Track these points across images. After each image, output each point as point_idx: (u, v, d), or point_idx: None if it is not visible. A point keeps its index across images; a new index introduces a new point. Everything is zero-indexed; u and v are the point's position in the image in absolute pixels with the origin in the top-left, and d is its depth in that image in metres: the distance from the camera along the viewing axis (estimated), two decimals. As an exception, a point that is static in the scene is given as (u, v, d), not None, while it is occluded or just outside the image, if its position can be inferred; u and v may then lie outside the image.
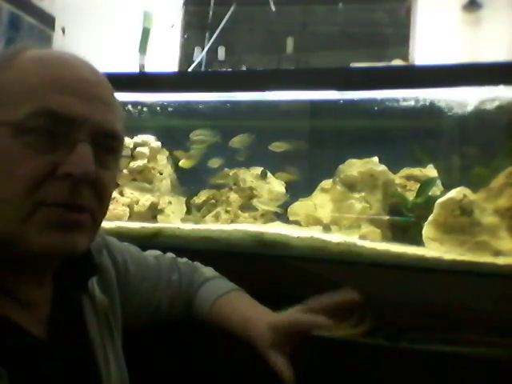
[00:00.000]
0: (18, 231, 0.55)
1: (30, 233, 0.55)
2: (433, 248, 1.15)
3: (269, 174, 1.57)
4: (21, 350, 0.56)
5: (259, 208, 1.46)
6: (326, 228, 1.36)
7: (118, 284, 0.78)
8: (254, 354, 0.74)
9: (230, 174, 1.55)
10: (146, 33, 2.02)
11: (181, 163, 1.59)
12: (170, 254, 0.94)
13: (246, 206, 1.48)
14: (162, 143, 1.61)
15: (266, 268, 1.14)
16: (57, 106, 0.56)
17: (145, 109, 1.54)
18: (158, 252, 0.94)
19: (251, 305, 0.84)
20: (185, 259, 0.95)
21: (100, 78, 0.63)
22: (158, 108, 1.54)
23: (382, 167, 1.36)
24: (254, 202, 1.47)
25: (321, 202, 1.45)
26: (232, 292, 0.87)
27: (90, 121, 0.58)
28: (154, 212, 1.51)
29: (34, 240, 0.55)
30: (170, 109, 1.55)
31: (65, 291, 0.65)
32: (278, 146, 1.49)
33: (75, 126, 0.57)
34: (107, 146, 0.61)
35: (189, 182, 1.62)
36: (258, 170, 1.57)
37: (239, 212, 1.49)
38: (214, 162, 1.57)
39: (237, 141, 1.51)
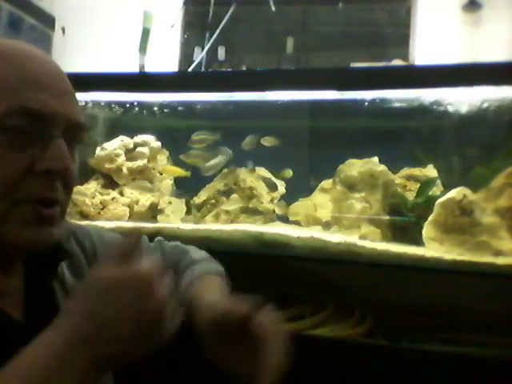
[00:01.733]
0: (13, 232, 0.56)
1: (8, 229, 0.57)
2: (433, 248, 1.15)
3: (269, 175, 1.57)
4: (2, 332, 0.57)
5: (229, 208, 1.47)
6: (326, 226, 1.36)
7: (88, 267, 0.77)
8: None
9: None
10: (145, 33, 2.01)
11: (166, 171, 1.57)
12: (157, 238, 0.92)
13: (250, 210, 1.48)
14: (161, 143, 1.61)
15: (266, 268, 1.14)
16: (33, 104, 0.56)
17: (145, 109, 1.54)
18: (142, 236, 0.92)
19: (212, 291, 0.77)
20: (176, 242, 0.92)
21: (61, 70, 0.63)
22: (158, 108, 1.54)
23: (382, 167, 1.36)
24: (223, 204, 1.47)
25: (321, 202, 1.45)
26: (204, 277, 0.81)
27: (63, 116, 0.58)
28: (154, 212, 1.51)
29: (13, 236, 0.57)
30: (170, 109, 1.55)
31: (36, 277, 0.67)
32: (268, 141, 1.49)
33: (50, 123, 0.57)
34: (75, 138, 0.62)
35: (187, 184, 1.62)
36: (258, 170, 1.57)
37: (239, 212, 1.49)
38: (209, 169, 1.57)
39: (247, 142, 1.51)
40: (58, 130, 0.58)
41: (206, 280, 0.82)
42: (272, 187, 1.52)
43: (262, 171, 1.57)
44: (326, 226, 1.38)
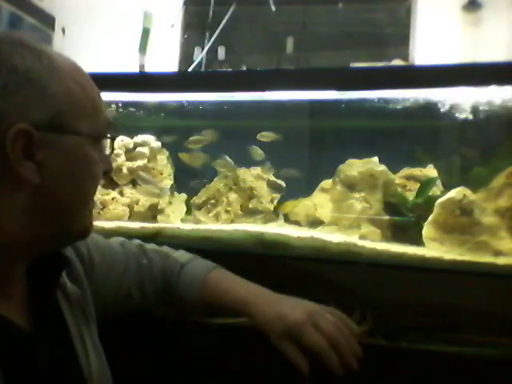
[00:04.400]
0: (88, 221, 0.68)
1: (81, 218, 0.67)
2: (433, 248, 1.15)
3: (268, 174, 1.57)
4: (10, 341, 0.57)
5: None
6: (312, 225, 1.37)
7: (85, 274, 0.79)
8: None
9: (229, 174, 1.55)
10: (145, 33, 2.02)
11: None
12: (136, 241, 0.95)
13: (250, 211, 1.48)
14: (161, 143, 1.61)
15: (266, 268, 1.14)
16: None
17: (145, 109, 1.54)
18: (121, 238, 0.94)
19: (242, 281, 0.86)
20: (152, 245, 0.95)
21: None
22: (158, 108, 1.54)
23: (382, 167, 1.36)
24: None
25: (321, 202, 1.45)
26: (216, 270, 0.88)
27: None
28: (154, 212, 1.51)
29: (87, 225, 0.69)
30: (169, 109, 1.55)
31: (38, 286, 0.67)
32: (266, 136, 1.49)
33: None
34: None
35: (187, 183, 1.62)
36: (259, 170, 1.57)
37: (239, 212, 1.49)
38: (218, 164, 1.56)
39: (258, 153, 1.52)
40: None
41: (225, 274, 0.88)
42: (277, 189, 1.52)
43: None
44: (313, 224, 1.39)
